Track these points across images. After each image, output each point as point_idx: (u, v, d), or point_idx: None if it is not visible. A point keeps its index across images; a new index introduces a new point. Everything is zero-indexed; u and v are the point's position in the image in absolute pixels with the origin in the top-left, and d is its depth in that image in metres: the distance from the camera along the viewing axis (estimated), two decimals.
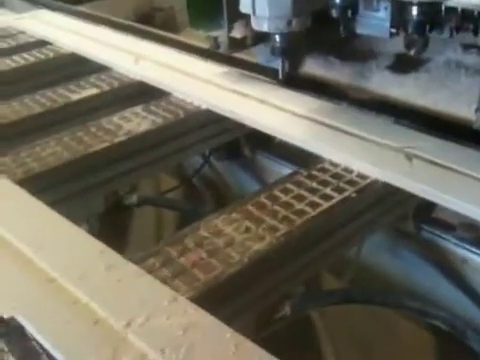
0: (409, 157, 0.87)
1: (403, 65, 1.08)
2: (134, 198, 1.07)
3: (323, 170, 0.89)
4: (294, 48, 1.01)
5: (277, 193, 0.83)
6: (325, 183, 0.85)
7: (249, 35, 1.09)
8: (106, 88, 1.15)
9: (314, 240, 0.79)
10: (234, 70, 1.20)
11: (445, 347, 0.97)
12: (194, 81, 1.17)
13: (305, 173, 0.88)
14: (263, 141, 1.20)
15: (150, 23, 2.85)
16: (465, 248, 0.93)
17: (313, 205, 0.80)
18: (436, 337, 0.98)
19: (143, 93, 1.16)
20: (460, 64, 1.02)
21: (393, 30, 0.94)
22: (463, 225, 0.94)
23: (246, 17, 1.01)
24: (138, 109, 1.06)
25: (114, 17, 2.01)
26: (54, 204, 0.81)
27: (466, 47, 1.01)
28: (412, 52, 0.89)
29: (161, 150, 1.01)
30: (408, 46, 0.89)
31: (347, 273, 1.06)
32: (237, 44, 1.11)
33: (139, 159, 0.99)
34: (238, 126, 1.09)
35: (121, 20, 1.76)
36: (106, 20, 1.63)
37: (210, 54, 1.28)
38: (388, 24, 0.93)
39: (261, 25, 0.96)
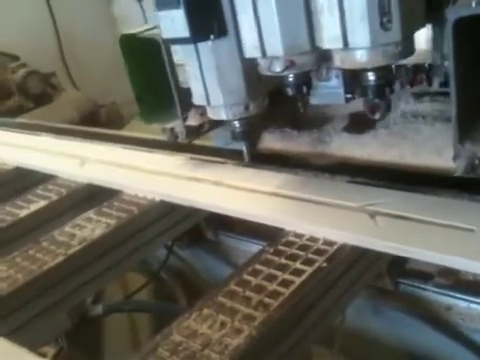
0: (372, 215, 0.86)
1: (360, 125, 1.08)
2: (99, 308, 1.01)
3: (289, 244, 0.86)
4: (254, 129, 0.97)
5: (247, 277, 0.80)
6: (294, 257, 0.82)
7: (205, 121, 1.06)
8: (55, 198, 1.11)
9: (294, 320, 0.75)
10: (183, 157, 1.19)
11: None
12: (143, 174, 1.15)
13: (271, 250, 0.85)
14: (224, 222, 1.17)
15: (95, 120, 2.87)
16: (447, 295, 0.91)
17: (286, 283, 0.77)
18: None
19: (93, 196, 1.13)
20: (416, 114, 1.02)
21: (348, 96, 0.94)
22: (441, 272, 0.93)
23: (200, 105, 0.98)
24: (90, 214, 1.02)
25: (58, 121, 2.01)
26: (15, 332, 0.75)
27: (417, 96, 1.02)
28: (377, 116, 0.87)
29: (120, 252, 0.97)
30: (371, 110, 0.87)
31: (336, 342, 1.02)
32: (194, 132, 1.09)
33: (99, 265, 0.94)
34: (196, 212, 1.06)
35: (63, 125, 1.76)
36: (48, 127, 1.62)
37: (157, 144, 1.28)
38: (342, 91, 0.94)
39: (218, 114, 0.92)
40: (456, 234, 0.77)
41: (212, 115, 0.93)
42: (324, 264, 0.80)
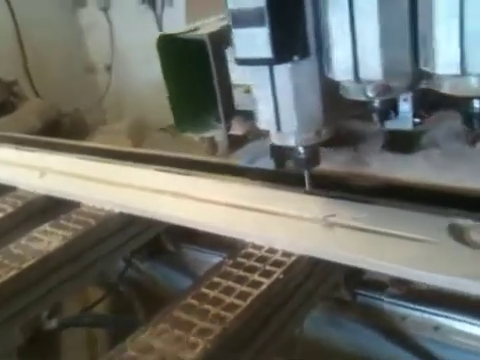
0: (330, 226, 0.87)
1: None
2: (53, 322, 0.99)
3: (248, 255, 0.86)
4: (317, 157, 0.89)
5: (204, 290, 0.79)
6: (252, 269, 0.82)
7: (249, 131, 1.00)
8: (10, 210, 1.09)
9: (251, 333, 0.75)
10: (145, 167, 1.19)
11: None
12: (103, 186, 1.13)
13: (230, 262, 0.85)
14: (186, 233, 1.17)
15: (58, 129, 2.82)
16: (402, 305, 0.93)
17: (243, 296, 0.77)
18: None
19: (51, 208, 1.11)
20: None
21: (417, 120, 0.90)
22: (395, 282, 0.94)
23: (242, 112, 0.94)
24: (47, 227, 1.00)
25: (20, 131, 1.97)
26: None
27: None
28: (478, 146, 0.84)
29: (77, 265, 0.95)
30: (473, 140, 0.84)
31: (295, 353, 1.02)
32: (237, 142, 1.03)
33: (54, 279, 0.92)
34: (156, 223, 1.06)
35: (24, 135, 1.73)
36: (8, 137, 1.59)
37: (119, 155, 1.27)
38: (411, 115, 0.89)
39: (285, 140, 0.85)
40: (411, 245, 0.79)
41: (277, 140, 0.86)
42: (281, 276, 0.81)
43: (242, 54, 0.76)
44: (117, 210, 1.05)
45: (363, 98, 0.74)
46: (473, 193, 0.90)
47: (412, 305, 0.92)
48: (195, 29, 0.95)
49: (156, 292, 1.24)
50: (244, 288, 0.78)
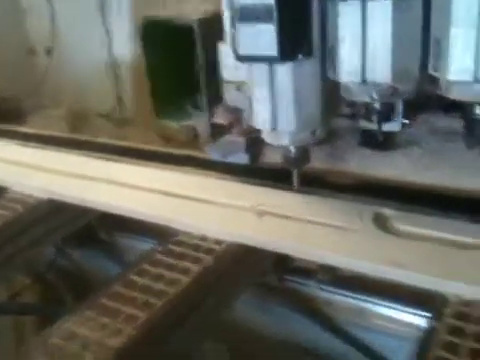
0: (260, 214, 0.89)
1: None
2: None
3: (179, 243, 0.87)
4: (307, 156, 0.87)
5: (133, 277, 0.79)
6: (182, 256, 0.83)
7: (234, 121, 0.96)
8: None
9: (179, 319, 0.76)
10: (78, 154, 1.17)
11: None
12: (33, 172, 1.11)
13: (161, 249, 0.86)
14: (119, 221, 1.16)
15: None
16: (327, 291, 0.96)
17: (172, 283, 0.77)
18: None
19: None
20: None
21: (405, 121, 0.91)
22: (323, 268, 0.98)
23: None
24: None
25: None
26: None
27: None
28: (478, 150, 0.81)
29: (3, 252, 0.93)
30: (471, 146, 0.81)
31: (224, 338, 1.04)
32: (220, 131, 0.99)
33: None
34: (87, 211, 1.04)
35: None
36: None
37: (52, 141, 1.24)
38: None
39: (280, 139, 0.83)
40: (336, 233, 0.82)
41: (271, 139, 0.84)
42: (211, 263, 0.82)
43: (245, 51, 0.74)
44: (46, 197, 1.02)
45: (367, 100, 0.74)
46: (398, 184, 0.95)
47: (337, 290, 0.96)
48: (179, 14, 0.93)
49: (87, 280, 1.23)
50: (174, 275, 0.79)
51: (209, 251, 0.84)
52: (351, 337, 0.96)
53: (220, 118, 0.94)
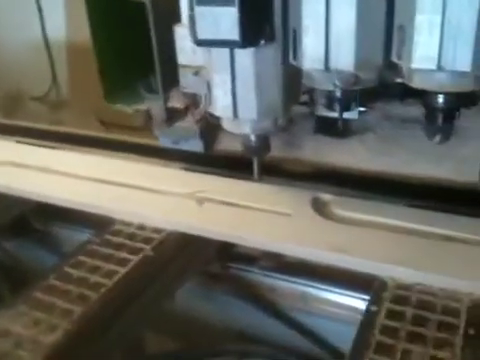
0: (200, 202, 0.87)
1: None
2: None
3: (116, 233, 0.84)
4: (268, 144, 0.84)
5: (68, 270, 0.76)
6: (120, 247, 0.80)
7: (190, 104, 0.89)
8: None
9: (116, 311, 0.73)
10: (9, 140, 1.11)
11: None
12: None
13: (97, 240, 0.83)
14: (55, 211, 1.11)
15: None
16: (271, 276, 0.96)
17: (109, 274, 0.75)
18: None
19: None
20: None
21: (362, 109, 0.89)
22: (266, 255, 0.97)
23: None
24: None
25: None
26: None
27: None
28: (437, 140, 0.77)
29: None
30: (433, 133, 0.77)
31: (167, 328, 1.02)
32: (176, 116, 0.92)
33: None
34: (20, 200, 0.99)
35: None
36: None
37: None
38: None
39: (240, 127, 0.79)
40: (276, 219, 0.81)
41: (230, 127, 0.80)
42: (151, 252, 0.79)
43: (204, 35, 0.69)
44: None
45: (330, 88, 0.71)
46: (336, 169, 0.95)
47: (280, 276, 0.96)
48: None
49: (23, 273, 1.17)
50: (111, 266, 0.76)
51: (148, 240, 0.81)
52: (295, 322, 0.97)
53: (176, 102, 0.89)
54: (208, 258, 0.95)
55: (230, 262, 0.98)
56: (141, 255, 0.79)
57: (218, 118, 0.80)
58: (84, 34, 0.91)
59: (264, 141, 0.83)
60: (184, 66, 0.82)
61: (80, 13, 0.89)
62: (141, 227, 0.85)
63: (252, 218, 0.82)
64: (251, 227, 0.80)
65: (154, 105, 0.91)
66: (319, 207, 0.84)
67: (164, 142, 1.05)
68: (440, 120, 0.73)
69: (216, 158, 1.03)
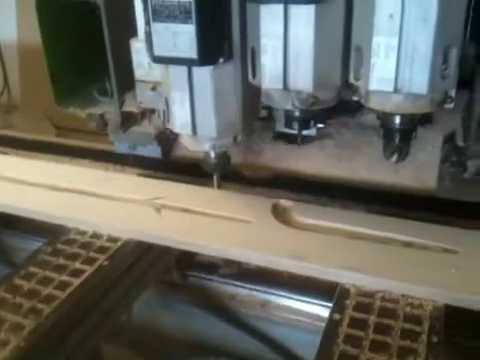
0: (157, 209, 0.84)
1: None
2: None
3: (69, 242, 0.80)
4: (228, 161, 0.83)
5: (18, 281, 0.72)
6: (73, 257, 0.77)
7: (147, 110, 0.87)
8: None
9: (70, 324, 0.70)
10: None
11: None
12: None
13: (49, 249, 0.79)
14: (4, 218, 1.06)
15: None
16: (231, 284, 0.94)
17: (62, 286, 0.71)
18: None
19: None
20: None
21: (320, 125, 0.90)
22: (226, 263, 0.95)
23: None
24: None
25: None
26: None
27: None
28: (394, 159, 0.77)
29: None
30: (391, 154, 0.76)
31: (124, 338, 0.99)
32: (131, 120, 0.89)
33: None
34: None
35: None
36: None
37: None
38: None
39: (199, 144, 0.77)
40: (236, 226, 0.80)
41: (190, 144, 0.78)
42: (106, 262, 0.76)
43: (161, 52, 0.67)
44: None
45: (288, 107, 0.70)
46: (296, 175, 0.94)
47: (241, 284, 0.94)
48: None
49: None
50: (64, 277, 0.73)
51: (103, 250, 0.78)
52: (256, 331, 0.95)
53: (131, 106, 0.85)
54: (166, 267, 0.92)
55: (189, 270, 0.95)
56: (96, 265, 0.75)
57: (176, 134, 0.79)
58: (36, 37, 0.88)
59: (224, 157, 0.82)
60: (141, 81, 0.80)
61: (31, 16, 0.86)
62: (96, 236, 0.81)
63: (211, 225, 0.80)
64: (210, 234, 0.78)
65: (108, 109, 0.88)
66: (279, 214, 0.83)
67: (120, 147, 1.02)
68: (397, 140, 0.74)
69: (174, 164, 1.01)
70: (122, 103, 0.86)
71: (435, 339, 0.59)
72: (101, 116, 0.91)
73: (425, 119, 0.82)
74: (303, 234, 0.77)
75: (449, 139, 0.84)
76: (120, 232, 0.81)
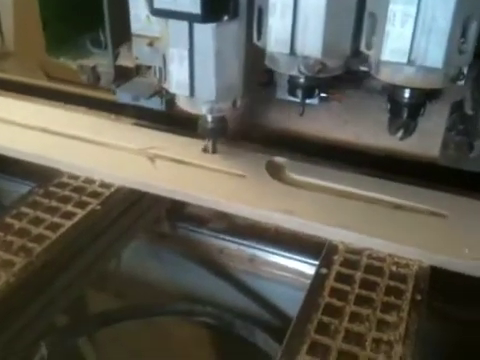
0: (152, 158, 0.84)
1: None
2: None
3: (62, 185, 0.80)
4: (225, 126, 0.80)
5: (9, 220, 0.72)
6: (65, 199, 0.77)
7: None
8: None
9: (60, 265, 0.71)
10: None
11: (220, 341, 0.98)
12: None
13: (41, 191, 0.79)
14: None
15: None
16: (220, 238, 0.95)
17: (54, 227, 0.71)
18: (210, 332, 0.98)
19: None
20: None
21: (324, 95, 0.86)
22: (216, 216, 0.96)
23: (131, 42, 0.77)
24: None
25: None
26: None
27: None
28: (400, 135, 0.75)
29: None
30: (392, 131, 0.75)
31: (111, 287, 1.00)
32: (125, 75, 0.85)
33: None
34: None
35: None
36: None
37: None
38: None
39: (196, 107, 0.74)
40: (229, 180, 0.80)
41: (185, 106, 0.75)
42: (98, 207, 0.77)
43: (162, 4, 0.63)
44: None
45: (293, 73, 0.67)
46: (301, 136, 0.94)
47: (230, 238, 0.95)
48: None
49: None
50: (55, 219, 0.73)
51: (95, 195, 0.78)
52: (242, 285, 0.96)
53: (125, 59, 0.81)
54: (157, 217, 0.93)
55: (180, 222, 0.96)
56: (88, 209, 0.75)
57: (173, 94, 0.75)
58: None
59: (221, 122, 0.79)
60: (138, 36, 0.77)
61: None
62: (88, 181, 0.81)
63: (205, 178, 0.80)
64: (202, 186, 0.78)
65: (101, 62, 0.84)
66: (273, 170, 0.83)
67: (122, 98, 0.96)
68: (405, 115, 0.71)
69: (170, 115, 1.00)
70: (116, 56, 0.82)
71: (419, 297, 0.60)
72: (93, 69, 0.86)
73: (432, 95, 0.78)
74: (296, 191, 0.77)
75: (456, 108, 0.82)
76: (113, 178, 0.81)
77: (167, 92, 0.83)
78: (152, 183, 0.79)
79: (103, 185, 0.80)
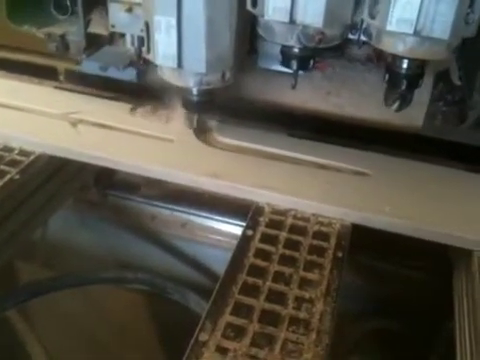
0: (74, 123, 0.81)
1: None
2: None
3: None
4: (212, 101, 0.74)
5: None
6: None
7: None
8: None
9: None
10: None
11: (153, 306, 0.98)
12: None
13: None
14: None
15: None
16: (152, 205, 0.94)
17: None
18: (143, 298, 0.98)
19: None
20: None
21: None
22: (148, 183, 0.94)
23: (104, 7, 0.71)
24: None
25: None
26: None
27: None
28: (395, 107, 0.71)
29: None
30: (388, 102, 0.72)
31: (39, 256, 0.97)
32: (96, 43, 0.78)
33: None
34: None
35: None
36: None
37: None
38: None
39: (183, 79, 0.69)
40: (156, 144, 0.78)
41: (171, 78, 0.70)
42: (17, 176, 0.73)
43: None
44: None
45: (291, 43, 0.63)
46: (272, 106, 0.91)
47: (162, 204, 0.94)
48: None
49: None
50: None
51: (14, 163, 0.75)
52: (175, 250, 0.96)
53: (97, 27, 0.76)
54: (84, 184, 0.90)
55: (109, 189, 0.94)
56: (6, 178, 0.72)
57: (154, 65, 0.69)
58: None
59: (208, 96, 0.73)
60: (115, 0, 0.72)
61: None
62: (6, 149, 0.77)
63: (131, 142, 0.78)
64: (129, 151, 0.76)
65: (70, 29, 0.77)
66: (201, 134, 0.81)
67: (89, 67, 0.88)
68: (403, 86, 0.68)
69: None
70: (88, 23, 0.76)
71: (340, 254, 0.61)
72: (62, 37, 0.79)
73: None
74: (223, 154, 0.77)
75: (441, 77, 0.81)
76: (33, 145, 0.77)
77: (144, 62, 0.78)
78: (74, 149, 0.77)
79: (22, 153, 0.77)
